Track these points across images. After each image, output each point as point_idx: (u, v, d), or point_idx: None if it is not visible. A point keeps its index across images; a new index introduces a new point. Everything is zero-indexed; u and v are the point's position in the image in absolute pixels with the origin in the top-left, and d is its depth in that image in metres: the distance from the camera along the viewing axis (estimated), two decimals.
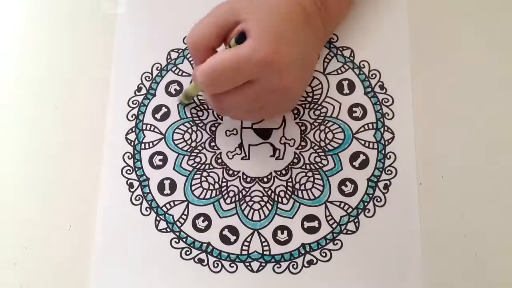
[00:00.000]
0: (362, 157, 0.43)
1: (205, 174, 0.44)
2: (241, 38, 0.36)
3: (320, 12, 0.40)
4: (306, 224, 0.42)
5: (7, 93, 0.47)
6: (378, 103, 0.45)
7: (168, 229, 0.43)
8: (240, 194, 0.43)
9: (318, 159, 0.44)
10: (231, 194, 0.43)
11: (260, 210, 0.43)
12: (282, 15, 0.37)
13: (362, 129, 0.44)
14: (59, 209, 0.44)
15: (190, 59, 0.47)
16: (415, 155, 0.43)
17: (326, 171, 0.43)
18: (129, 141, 0.45)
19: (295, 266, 0.41)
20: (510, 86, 0.44)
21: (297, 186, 0.43)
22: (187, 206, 0.43)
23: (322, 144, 0.44)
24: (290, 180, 0.43)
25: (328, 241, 0.41)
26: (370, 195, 0.42)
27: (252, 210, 0.43)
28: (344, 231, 0.42)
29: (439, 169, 0.42)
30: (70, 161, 0.45)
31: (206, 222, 0.43)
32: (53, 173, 0.45)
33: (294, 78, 0.38)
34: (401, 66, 0.45)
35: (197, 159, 0.44)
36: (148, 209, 0.43)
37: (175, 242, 0.42)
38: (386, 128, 0.44)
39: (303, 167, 0.43)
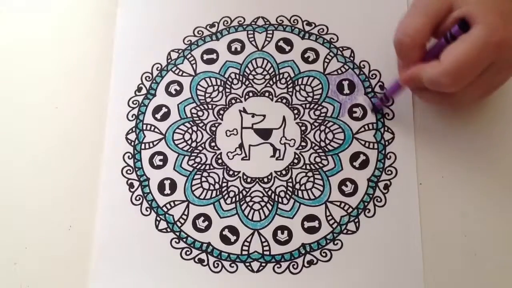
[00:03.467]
0: (362, 157, 0.43)
1: (205, 174, 0.44)
2: (464, 24, 0.35)
3: None
4: (306, 224, 0.42)
5: (7, 93, 0.47)
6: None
7: (168, 229, 0.43)
8: (241, 194, 0.43)
9: (318, 159, 0.44)
10: (231, 194, 0.43)
11: (260, 210, 0.43)
12: None
13: (362, 129, 0.44)
14: (59, 209, 0.44)
15: (190, 59, 0.47)
16: (415, 155, 0.43)
17: (326, 171, 0.43)
18: (129, 141, 0.45)
19: (295, 266, 0.41)
20: (510, 85, 0.44)
21: (297, 186, 0.43)
22: (187, 206, 0.43)
23: (322, 144, 0.44)
24: (290, 180, 0.43)
25: (328, 241, 0.41)
26: (371, 195, 0.42)
27: (252, 210, 0.43)
28: (344, 231, 0.42)
29: (439, 169, 0.42)
30: (70, 161, 0.45)
31: (206, 222, 0.43)
32: (53, 173, 0.45)
33: None
34: None
35: (197, 159, 0.44)
36: (148, 209, 0.43)
37: (175, 242, 0.42)
38: (386, 128, 0.44)
39: (303, 167, 0.43)
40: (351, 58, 0.46)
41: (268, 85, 0.46)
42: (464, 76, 0.35)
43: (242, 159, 0.44)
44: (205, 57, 0.47)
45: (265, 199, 0.43)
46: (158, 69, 0.47)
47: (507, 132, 0.43)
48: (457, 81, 0.35)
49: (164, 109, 0.46)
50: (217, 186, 0.43)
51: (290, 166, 0.44)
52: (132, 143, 0.45)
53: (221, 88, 0.46)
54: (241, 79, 0.46)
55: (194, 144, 0.45)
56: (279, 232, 0.42)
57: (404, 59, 0.38)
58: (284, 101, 0.45)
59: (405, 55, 0.38)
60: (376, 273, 0.40)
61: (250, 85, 0.46)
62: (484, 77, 0.36)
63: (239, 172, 0.44)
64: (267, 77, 0.46)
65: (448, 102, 0.39)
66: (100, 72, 0.47)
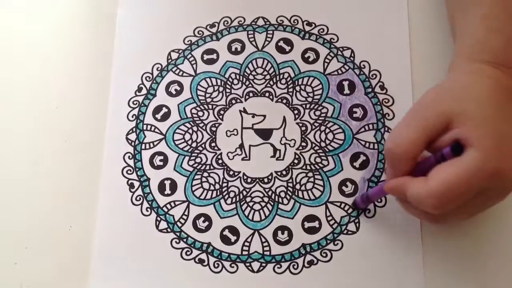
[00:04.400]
0: (362, 157, 0.43)
1: (205, 174, 0.44)
2: (457, 147, 0.33)
3: None
4: (307, 225, 0.42)
5: (7, 93, 0.47)
6: (378, 103, 0.45)
7: (169, 229, 0.43)
8: (241, 195, 0.43)
9: (318, 160, 0.44)
10: (232, 194, 0.43)
11: (261, 211, 0.43)
12: (496, 109, 0.34)
13: (363, 129, 0.44)
14: (59, 209, 0.43)
15: (190, 59, 0.47)
16: None
17: (326, 172, 0.43)
18: (130, 141, 0.45)
19: (295, 267, 0.41)
20: None
21: (297, 186, 0.43)
22: (188, 206, 0.43)
23: (323, 144, 0.44)
24: (290, 180, 0.43)
25: (328, 242, 0.41)
26: None
27: (252, 211, 0.43)
28: (345, 232, 0.42)
29: None
30: (70, 161, 0.45)
31: (207, 223, 0.43)
32: (53, 173, 0.44)
33: None
34: (401, 66, 0.45)
35: (198, 160, 0.44)
36: (148, 209, 0.43)
37: (176, 242, 0.42)
38: (386, 129, 0.44)
39: (304, 167, 0.43)
40: (351, 58, 0.46)
41: (268, 85, 0.46)
42: (450, 201, 0.33)
43: (243, 159, 0.44)
44: (205, 57, 0.47)
45: (266, 199, 0.43)
46: (159, 69, 0.47)
47: None
48: (442, 205, 0.33)
49: (164, 109, 0.46)
50: (217, 186, 0.43)
51: (290, 166, 0.44)
52: (133, 143, 0.45)
53: (221, 88, 0.46)
54: (241, 79, 0.46)
55: (194, 144, 0.45)
56: (279, 232, 0.42)
57: (393, 168, 0.36)
58: (284, 101, 0.45)
59: (394, 165, 0.36)
60: (376, 273, 0.40)
61: (250, 85, 0.46)
62: (471, 202, 0.34)
63: (239, 172, 0.44)
64: (267, 77, 0.46)
65: (431, 220, 0.37)
66: (100, 72, 0.47)
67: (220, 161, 0.44)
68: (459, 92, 0.35)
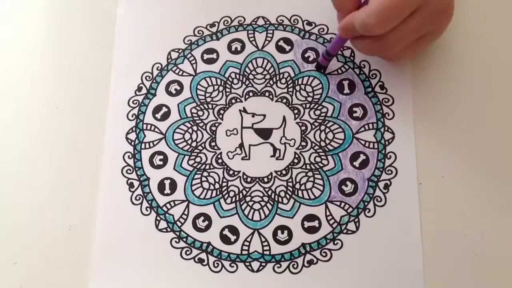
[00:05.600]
0: (362, 157, 0.43)
1: (205, 174, 0.44)
2: None
3: None
4: (306, 224, 0.42)
5: (7, 93, 0.47)
6: (378, 103, 0.45)
7: (168, 229, 0.43)
8: (241, 194, 0.43)
9: (318, 159, 0.44)
10: (232, 194, 0.43)
11: (261, 210, 0.43)
12: None
13: (363, 129, 0.44)
14: (59, 209, 0.44)
15: (190, 59, 0.47)
16: (415, 155, 0.43)
17: (326, 171, 0.43)
18: (130, 141, 0.45)
19: (295, 266, 0.41)
20: (510, 85, 0.44)
21: (297, 186, 0.43)
22: (188, 206, 0.43)
23: (323, 144, 0.44)
24: (290, 180, 0.43)
25: (328, 241, 0.41)
26: (371, 195, 0.42)
27: (252, 210, 0.43)
28: (345, 231, 0.42)
29: (439, 169, 0.42)
30: (70, 161, 0.45)
31: (207, 222, 0.43)
32: (53, 173, 0.45)
33: (452, 4, 0.39)
34: (401, 66, 0.45)
35: (198, 159, 0.44)
36: (148, 208, 0.43)
37: (175, 242, 0.42)
38: (386, 128, 0.44)
39: (304, 167, 0.43)
40: (351, 58, 0.46)
41: (268, 85, 0.46)
42: (389, 17, 0.37)
43: (242, 158, 0.44)
44: (205, 56, 0.47)
45: (265, 199, 0.43)
46: (158, 68, 0.47)
47: (507, 131, 0.43)
48: (382, 21, 0.37)
49: (164, 109, 0.46)
50: (217, 185, 0.43)
51: (290, 166, 0.44)
52: (132, 143, 0.45)
53: (221, 88, 0.46)
54: (241, 78, 0.46)
55: (194, 144, 0.45)
56: (279, 231, 0.42)
57: (340, 9, 0.40)
58: (284, 101, 0.45)
59: (340, 5, 0.40)
60: (376, 273, 0.40)
61: (250, 84, 0.46)
62: (411, 22, 0.38)
63: (239, 172, 0.44)
64: (267, 77, 0.46)
65: (380, 48, 0.40)
66: (100, 72, 0.47)
67: (220, 161, 0.44)
68: None
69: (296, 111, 0.45)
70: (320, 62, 0.45)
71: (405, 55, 0.43)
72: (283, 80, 0.46)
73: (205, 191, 0.43)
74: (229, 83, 0.46)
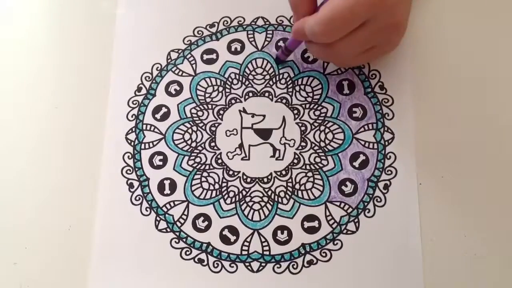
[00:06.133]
0: (362, 157, 0.43)
1: (205, 174, 0.44)
2: None
3: None
4: (306, 224, 0.42)
5: (7, 93, 0.47)
6: (378, 103, 0.45)
7: (168, 229, 0.43)
8: (240, 195, 0.43)
9: (318, 160, 0.44)
10: (231, 194, 0.43)
11: (260, 210, 0.43)
12: None
13: (362, 129, 0.44)
14: (59, 209, 0.44)
15: (190, 59, 0.47)
16: (415, 155, 0.43)
17: (326, 171, 0.43)
18: (129, 141, 0.45)
19: (295, 266, 0.41)
20: (510, 85, 0.44)
21: (297, 186, 0.43)
22: (187, 206, 0.43)
23: (322, 144, 0.44)
24: (290, 180, 0.43)
25: (328, 241, 0.41)
26: (370, 195, 0.42)
27: (252, 210, 0.43)
28: (344, 231, 0.42)
29: (439, 169, 0.42)
30: (70, 161, 0.45)
31: (206, 222, 0.43)
32: (53, 173, 0.45)
33: (404, 11, 0.40)
34: (401, 66, 0.45)
35: (197, 159, 0.44)
36: (148, 209, 0.43)
37: (175, 242, 0.42)
38: (386, 128, 0.44)
39: (303, 167, 0.43)
40: None
41: (268, 85, 0.46)
42: (336, 27, 0.37)
43: (242, 159, 0.44)
44: (205, 57, 0.47)
45: (265, 199, 0.43)
46: (158, 69, 0.47)
47: (507, 131, 0.43)
48: (328, 30, 0.37)
49: (164, 109, 0.46)
50: (217, 186, 0.43)
51: (290, 166, 0.44)
52: (132, 143, 0.45)
53: (221, 88, 0.46)
54: (241, 79, 0.46)
55: (194, 144, 0.45)
56: (279, 232, 0.42)
57: (295, 12, 0.40)
58: (284, 101, 0.45)
59: (295, 8, 0.40)
60: (376, 273, 0.40)
61: (250, 85, 0.46)
62: (359, 34, 0.38)
63: (239, 172, 0.44)
64: (267, 77, 0.46)
65: (329, 54, 0.41)
66: (100, 72, 0.47)
67: (219, 161, 0.44)
68: None
69: (295, 112, 0.45)
70: (279, 57, 0.46)
71: (355, 63, 0.44)
72: (283, 81, 0.46)
73: (205, 191, 0.43)
74: (229, 83, 0.46)
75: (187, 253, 0.42)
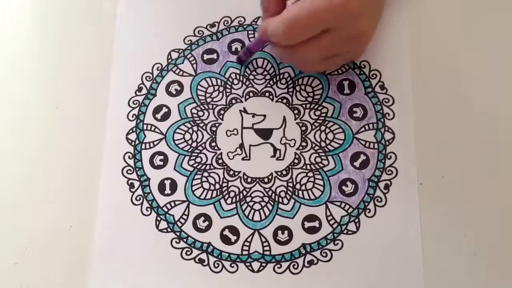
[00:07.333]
0: (362, 157, 0.43)
1: (205, 174, 0.44)
2: None
3: None
4: (307, 224, 0.42)
5: (7, 93, 0.47)
6: (378, 103, 0.45)
7: (169, 229, 0.43)
8: (241, 195, 0.43)
9: (318, 160, 0.44)
10: (232, 194, 0.43)
11: (261, 210, 0.43)
12: None
13: (363, 129, 0.44)
14: (59, 209, 0.43)
15: (190, 59, 0.47)
16: (416, 155, 0.43)
17: (326, 171, 0.43)
18: (130, 141, 0.45)
19: (295, 266, 0.41)
20: (510, 85, 0.44)
21: (297, 186, 0.43)
22: (188, 206, 0.43)
23: (323, 144, 0.44)
24: (290, 180, 0.43)
25: (328, 241, 0.41)
26: (371, 195, 0.42)
27: (252, 210, 0.43)
28: (345, 231, 0.42)
29: (439, 169, 0.42)
30: (70, 161, 0.45)
31: (207, 222, 0.43)
32: (53, 173, 0.44)
33: (368, 22, 0.40)
34: (401, 66, 0.45)
35: (198, 159, 0.44)
36: (148, 209, 0.43)
37: (176, 242, 0.42)
38: (386, 128, 0.44)
39: (304, 167, 0.43)
40: None
41: (268, 85, 0.46)
42: (298, 29, 0.37)
43: (243, 159, 0.44)
44: (206, 57, 0.47)
45: (266, 199, 0.43)
46: (159, 69, 0.47)
47: (507, 131, 0.43)
48: (288, 33, 0.37)
49: (164, 109, 0.46)
50: (217, 186, 0.43)
51: (290, 166, 0.44)
52: (133, 143, 0.45)
53: (221, 88, 0.46)
54: (241, 79, 0.46)
55: (194, 144, 0.45)
56: (279, 232, 0.42)
57: (264, 10, 0.41)
58: (285, 101, 0.45)
59: (265, 8, 0.41)
60: (376, 273, 0.40)
61: (250, 85, 0.46)
62: (321, 40, 0.38)
63: (239, 172, 0.44)
64: (268, 77, 0.46)
65: (291, 58, 0.41)
66: (100, 72, 0.47)
67: (220, 161, 0.44)
68: None
69: (296, 112, 0.45)
70: (240, 57, 0.46)
71: (318, 69, 0.44)
72: (283, 81, 0.46)
73: (206, 191, 0.43)
74: (229, 83, 0.46)
75: (188, 253, 0.42)
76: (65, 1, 0.50)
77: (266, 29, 0.39)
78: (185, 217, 0.43)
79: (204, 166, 0.44)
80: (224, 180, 0.44)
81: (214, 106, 0.46)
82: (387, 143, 0.44)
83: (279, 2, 0.40)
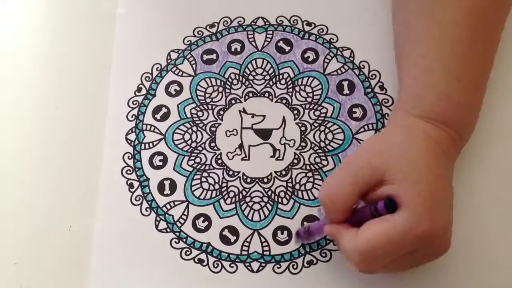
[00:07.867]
0: None
1: (205, 174, 0.44)
2: (391, 204, 0.33)
3: (455, 144, 0.38)
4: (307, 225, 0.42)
5: (7, 93, 0.47)
6: (378, 103, 0.45)
7: (168, 229, 0.43)
8: (240, 195, 0.43)
9: (318, 160, 0.44)
10: (231, 194, 0.43)
11: (260, 211, 0.43)
12: (428, 169, 0.34)
13: (362, 129, 0.44)
14: (59, 209, 0.44)
15: (190, 59, 0.47)
16: None
17: (326, 172, 0.43)
18: (129, 141, 0.45)
19: (295, 266, 0.41)
20: (510, 86, 0.44)
21: (297, 186, 0.43)
22: (187, 206, 0.43)
23: (322, 144, 0.44)
24: (290, 180, 0.43)
25: (328, 241, 0.41)
26: None
27: (252, 211, 0.43)
28: None
29: None
30: (70, 162, 0.45)
31: (206, 223, 0.43)
32: (53, 173, 0.45)
33: (450, 236, 0.35)
34: None
35: (197, 160, 0.44)
36: (148, 209, 0.43)
37: (175, 242, 0.42)
38: None
39: (303, 167, 0.44)
40: (351, 59, 0.46)
41: (268, 85, 0.46)
42: (375, 260, 0.33)
43: (242, 159, 0.44)
44: (205, 57, 0.47)
45: (265, 199, 0.43)
46: (158, 69, 0.47)
47: (507, 131, 0.43)
48: (367, 263, 0.34)
49: (164, 110, 0.46)
50: (217, 186, 0.43)
51: (290, 167, 0.44)
52: (132, 143, 0.45)
53: (221, 89, 0.46)
54: (241, 79, 0.46)
55: (194, 145, 0.45)
56: (279, 232, 0.42)
57: (329, 216, 0.37)
58: (284, 101, 0.45)
59: (330, 215, 0.36)
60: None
61: (250, 85, 0.46)
62: (403, 259, 0.34)
63: (239, 172, 0.44)
64: (267, 77, 0.46)
65: (364, 269, 0.36)
66: (100, 72, 0.47)
67: (219, 161, 0.44)
68: (394, 148, 0.35)
69: (295, 112, 0.45)
70: (300, 235, 0.41)
71: (388, 271, 0.39)
72: (283, 81, 0.46)
73: (205, 191, 0.43)
74: (229, 83, 0.46)
75: (187, 253, 0.42)
76: (65, 1, 0.50)
77: (334, 237, 0.36)
78: (184, 217, 0.43)
79: (203, 166, 0.44)
80: (224, 180, 0.44)
81: (214, 106, 0.46)
82: None
83: (346, 211, 0.35)
